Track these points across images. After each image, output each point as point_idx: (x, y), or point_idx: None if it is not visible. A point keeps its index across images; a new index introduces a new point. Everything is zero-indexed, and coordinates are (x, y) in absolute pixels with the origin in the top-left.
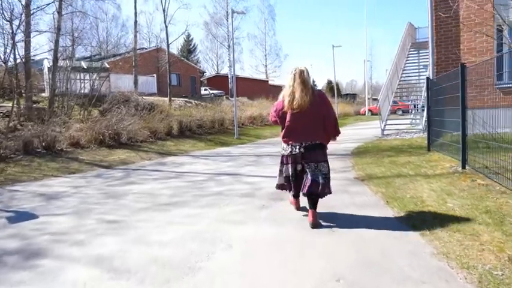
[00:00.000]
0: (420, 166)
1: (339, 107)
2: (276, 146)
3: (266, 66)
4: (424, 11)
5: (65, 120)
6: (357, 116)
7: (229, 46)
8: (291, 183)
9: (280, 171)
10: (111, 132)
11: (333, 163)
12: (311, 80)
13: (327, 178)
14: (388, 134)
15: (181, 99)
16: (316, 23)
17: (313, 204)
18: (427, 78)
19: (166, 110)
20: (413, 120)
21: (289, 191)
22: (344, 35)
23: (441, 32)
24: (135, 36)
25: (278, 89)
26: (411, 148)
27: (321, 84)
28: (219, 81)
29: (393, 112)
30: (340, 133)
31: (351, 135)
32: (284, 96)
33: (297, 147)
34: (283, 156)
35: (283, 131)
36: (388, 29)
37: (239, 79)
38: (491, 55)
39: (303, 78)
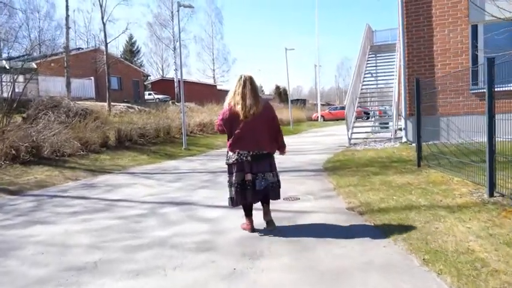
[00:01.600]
0: (428, 191)
1: (292, 112)
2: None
3: (214, 70)
4: (377, 13)
5: None
6: (310, 121)
7: (175, 48)
8: (237, 195)
9: (230, 182)
10: (28, 145)
11: (307, 183)
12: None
13: (274, 186)
14: (355, 144)
15: (122, 104)
16: (264, 27)
17: (267, 203)
18: (417, 79)
19: (104, 117)
20: (374, 128)
21: (239, 204)
22: (289, 41)
23: (412, 32)
24: (67, 32)
25: (227, 94)
26: (394, 162)
27: (268, 90)
28: (164, 86)
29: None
30: (285, 146)
31: (312, 143)
32: (234, 103)
33: (245, 155)
34: (229, 165)
35: (231, 139)
36: (334, 36)
37: (186, 83)
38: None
39: (253, 85)
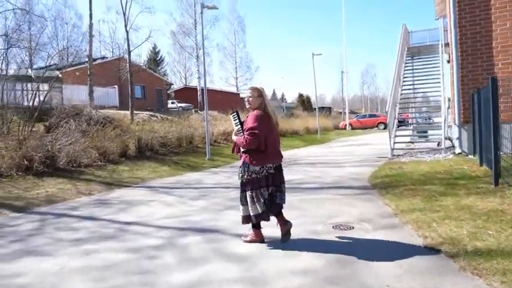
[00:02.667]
0: None
1: (319, 120)
2: None
3: (237, 78)
4: (400, 17)
5: None
6: (337, 130)
7: (198, 56)
8: (266, 210)
9: (257, 198)
10: (42, 155)
11: (357, 204)
12: None
13: (284, 198)
14: (399, 155)
15: (145, 112)
16: (286, 35)
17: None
18: (493, 79)
19: (125, 125)
20: (413, 137)
21: (266, 220)
22: (311, 49)
23: (466, 27)
24: (90, 40)
25: None
26: (459, 178)
27: (290, 98)
28: (187, 94)
29: (373, 126)
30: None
31: (346, 154)
32: (270, 110)
33: (271, 168)
34: (255, 180)
35: (266, 150)
36: (356, 44)
37: (209, 91)
38: None
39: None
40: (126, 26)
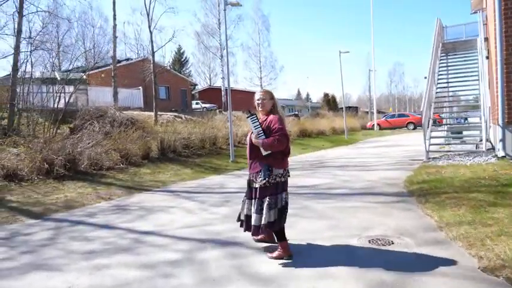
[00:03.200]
0: None
1: (346, 120)
2: None
3: (261, 78)
4: (429, 14)
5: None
6: (364, 130)
7: (222, 56)
8: (283, 216)
9: (271, 204)
10: (63, 158)
11: (394, 214)
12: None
13: None
14: (435, 157)
15: (169, 113)
16: (311, 35)
17: None
18: None
19: (149, 127)
20: (448, 139)
21: (279, 228)
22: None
23: None
24: (114, 41)
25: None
26: (507, 186)
27: (315, 97)
28: (211, 94)
29: (402, 126)
30: None
31: (376, 156)
32: (281, 113)
33: (289, 171)
34: (279, 184)
35: (289, 153)
36: (382, 43)
37: (233, 92)
38: None
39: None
40: (149, 26)
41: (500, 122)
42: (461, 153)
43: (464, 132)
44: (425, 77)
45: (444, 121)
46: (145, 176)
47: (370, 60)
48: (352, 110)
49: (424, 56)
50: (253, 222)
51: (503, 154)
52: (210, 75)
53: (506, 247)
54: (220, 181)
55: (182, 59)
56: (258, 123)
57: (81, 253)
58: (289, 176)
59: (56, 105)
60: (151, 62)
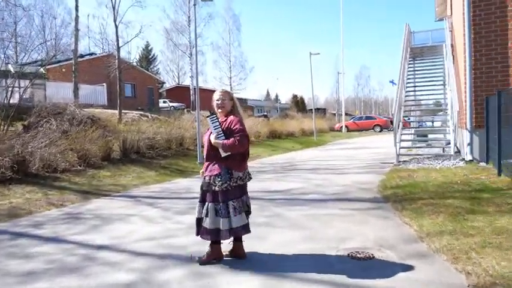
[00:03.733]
0: None
1: (316, 122)
2: (253, 175)
3: (231, 78)
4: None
5: None
6: (333, 132)
7: (191, 54)
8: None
9: (236, 207)
10: (9, 159)
11: (371, 222)
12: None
13: None
14: (405, 161)
15: (135, 112)
16: (280, 36)
17: None
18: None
19: (112, 125)
20: (414, 142)
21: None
22: (305, 50)
23: (480, 25)
24: (76, 34)
25: (243, 102)
26: (480, 191)
27: (284, 99)
28: (179, 93)
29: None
30: None
31: (347, 158)
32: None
33: (249, 172)
34: (240, 187)
35: (248, 155)
36: (350, 46)
37: (202, 91)
38: None
39: None
40: (115, 20)
41: (468, 126)
42: (430, 156)
43: (430, 136)
44: (390, 81)
45: (412, 124)
46: (104, 179)
47: (338, 63)
48: (321, 111)
49: (388, 61)
50: (221, 227)
51: (470, 158)
52: (178, 74)
53: (493, 260)
54: (187, 185)
55: (150, 56)
56: (218, 123)
57: (17, 275)
58: (250, 178)
59: (7, 101)
60: (117, 57)
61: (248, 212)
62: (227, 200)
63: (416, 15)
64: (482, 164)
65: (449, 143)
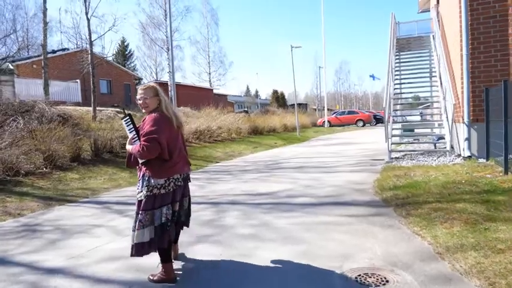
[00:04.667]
0: None
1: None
2: (236, 176)
3: (210, 74)
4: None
5: None
6: (315, 127)
7: (168, 49)
8: (163, 235)
9: (144, 220)
10: None
11: (374, 233)
12: None
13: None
14: (397, 158)
15: (111, 109)
16: (260, 32)
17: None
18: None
19: (85, 123)
20: (402, 138)
21: (155, 250)
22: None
23: (478, 10)
24: (44, 28)
25: (223, 98)
26: (490, 192)
27: (264, 94)
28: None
29: (352, 124)
30: None
31: (334, 155)
32: (171, 111)
33: (179, 179)
34: (158, 196)
35: (171, 160)
36: (331, 41)
37: (181, 87)
38: None
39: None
40: (87, 13)
41: (465, 119)
42: (422, 152)
43: (418, 131)
44: (371, 75)
45: (397, 119)
46: (72, 183)
47: (318, 58)
48: (302, 107)
49: (368, 55)
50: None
51: (468, 154)
52: (156, 70)
53: None
54: None
55: (126, 52)
56: (131, 126)
57: None
58: (179, 185)
59: None
60: (89, 52)
61: (163, 226)
62: (139, 211)
63: (397, 9)
64: (482, 160)
65: (441, 138)
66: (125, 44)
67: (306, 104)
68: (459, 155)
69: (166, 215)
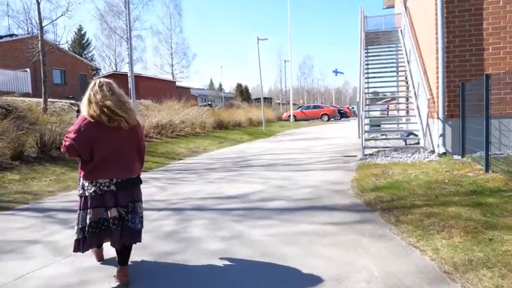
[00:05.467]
0: None
1: (264, 112)
2: (201, 175)
3: (172, 66)
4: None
5: None
6: (281, 121)
7: (128, 38)
8: (86, 238)
9: (77, 218)
10: None
11: (360, 245)
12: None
13: (142, 221)
14: (371, 154)
15: (65, 101)
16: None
17: (127, 258)
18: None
19: (34, 116)
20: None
21: (83, 251)
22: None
23: (454, 2)
24: None
25: (186, 91)
26: (478, 193)
27: (228, 88)
28: (116, 81)
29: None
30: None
31: (303, 151)
32: (92, 114)
33: (108, 184)
34: (84, 198)
35: (93, 163)
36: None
37: (142, 78)
38: None
39: (117, 92)
40: None
41: (440, 115)
42: (396, 149)
43: (384, 126)
44: (334, 71)
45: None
46: (11, 185)
47: (282, 52)
48: (267, 101)
49: (330, 50)
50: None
51: (443, 150)
52: (116, 60)
53: None
54: None
55: (84, 41)
56: None
57: None
58: (107, 190)
59: None
60: (39, 38)
61: (82, 230)
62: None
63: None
64: (458, 157)
65: (411, 134)
66: (82, 32)
67: (271, 98)
68: (432, 152)
69: (89, 219)
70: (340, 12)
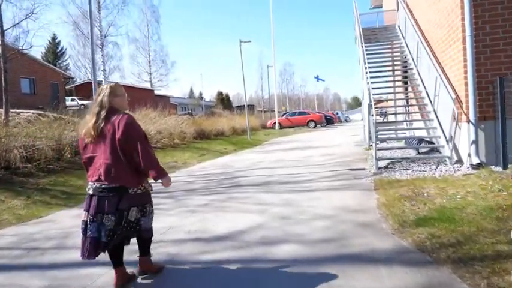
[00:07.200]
0: None
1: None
2: (178, 200)
3: (151, 74)
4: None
5: None
6: (265, 129)
7: (102, 45)
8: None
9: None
10: None
11: None
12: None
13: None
14: (385, 167)
15: (33, 111)
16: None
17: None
18: None
19: None
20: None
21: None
22: (229, 48)
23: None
24: None
25: (165, 99)
26: None
27: (209, 96)
28: (91, 90)
29: (303, 125)
30: (154, 168)
31: (299, 163)
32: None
33: (90, 187)
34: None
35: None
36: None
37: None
38: None
39: (97, 98)
40: None
41: (471, 117)
42: (413, 160)
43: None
44: (315, 77)
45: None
46: None
47: (263, 59)
48: (250, 108)
49: (310, 57)
50: None
51: (477, 161)
52: (92, 69)
53: None
54: (66, 225)
55: (58, 50)
56: None
57: None
58: (90, 194)
59: None
60: (0, 43)
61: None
62: None
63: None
64: (498, 168)
65: (423, 141)
66: (56, 40)
67: (253, 105)
68: (460, 162)
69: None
70: (322, 20)
